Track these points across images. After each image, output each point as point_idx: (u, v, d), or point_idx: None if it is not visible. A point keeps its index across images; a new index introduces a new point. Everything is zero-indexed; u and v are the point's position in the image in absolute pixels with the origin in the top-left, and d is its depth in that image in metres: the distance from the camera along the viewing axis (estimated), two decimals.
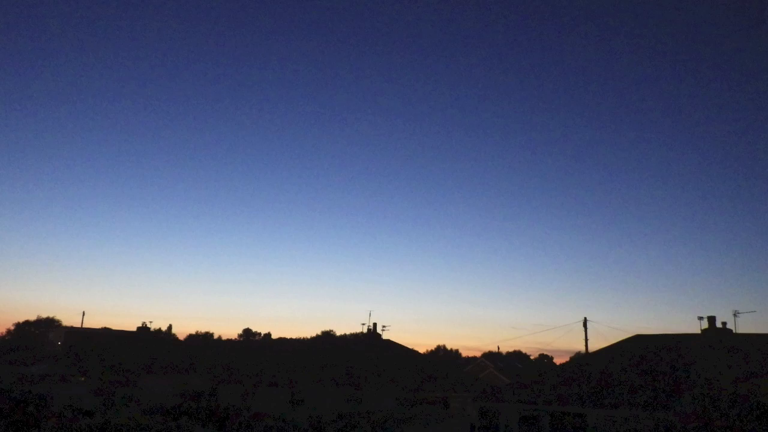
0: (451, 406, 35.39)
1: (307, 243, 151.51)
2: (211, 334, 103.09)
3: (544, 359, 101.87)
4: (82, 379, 45.51)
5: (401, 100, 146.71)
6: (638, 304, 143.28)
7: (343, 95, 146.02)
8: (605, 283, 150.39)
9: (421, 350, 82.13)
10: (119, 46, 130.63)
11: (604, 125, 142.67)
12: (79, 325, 60.78)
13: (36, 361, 53.23)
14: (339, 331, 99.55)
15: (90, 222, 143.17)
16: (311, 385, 35.56)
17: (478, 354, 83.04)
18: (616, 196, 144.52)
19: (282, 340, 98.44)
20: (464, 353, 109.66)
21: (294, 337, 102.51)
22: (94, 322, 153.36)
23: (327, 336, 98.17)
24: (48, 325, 78.71)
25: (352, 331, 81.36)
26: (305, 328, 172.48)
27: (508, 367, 70.54)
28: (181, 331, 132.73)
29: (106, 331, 58.81)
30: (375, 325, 44.65)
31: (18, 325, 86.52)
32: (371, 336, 44.21)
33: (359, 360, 39.49)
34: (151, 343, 56.81)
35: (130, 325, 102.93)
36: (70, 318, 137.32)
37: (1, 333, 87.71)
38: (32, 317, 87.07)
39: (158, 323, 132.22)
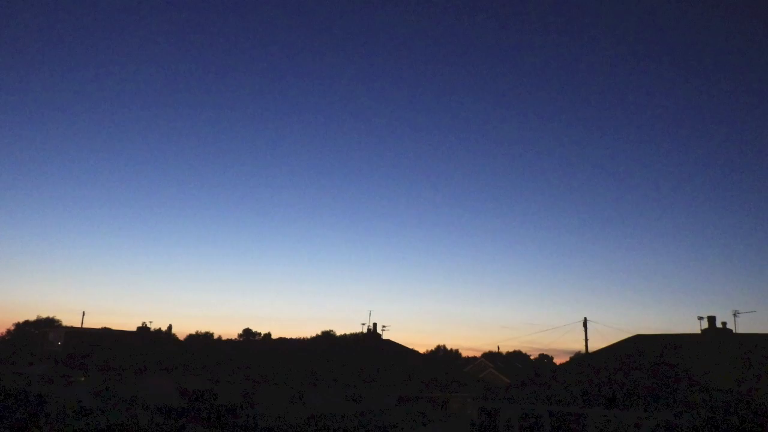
0: (451, 406, 35.39)
1: (308, 243, 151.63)
2: (211, 334, 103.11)
3: (544, 359, 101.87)
4: (82, 379, 45.51)
5: (401, 100, 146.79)
6: (638, 304, 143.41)
7: (343, 95, 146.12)
8: (605, 283, 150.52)
9: (421, 350, 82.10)
10: (119, 45, 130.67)
11: (604, 125, 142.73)
12: (79, 325, 60.76)
13: (36, 361, 53.25)
14: (339, 331, 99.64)
15: (90, 222, 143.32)
16: (311, 385, 35.55)
17: (478, 354, 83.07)
18: (616, 196, 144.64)
19: (282, 340, 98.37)
20: (464, 353, 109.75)
21: (294, 337, 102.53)
22: (94, 322, 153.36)
23: (327, 336, 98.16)
24: (48, 325, 78.64)
25: (352, 331, 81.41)
26: (305, 328, 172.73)
27: (508, 367, 70.57)
28: (181, 331, 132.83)
29: (106, 331, 58.77)
30: (375, 325, 44.68)
31: (18, 325, 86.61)
32: (371, 336, 44.20)
33: (359, 360, 39.49)
34: (151, 343, 56.79)
35: (130, 325, 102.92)
36: (70, 318, 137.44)
37: (1, 333, 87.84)
38: (32, 317, 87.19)
39: (158, 323, 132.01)
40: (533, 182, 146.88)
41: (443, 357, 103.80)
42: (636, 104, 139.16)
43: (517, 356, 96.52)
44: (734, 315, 31.72)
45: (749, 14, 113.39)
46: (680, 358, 27.83)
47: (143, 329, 57.67)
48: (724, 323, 30.49)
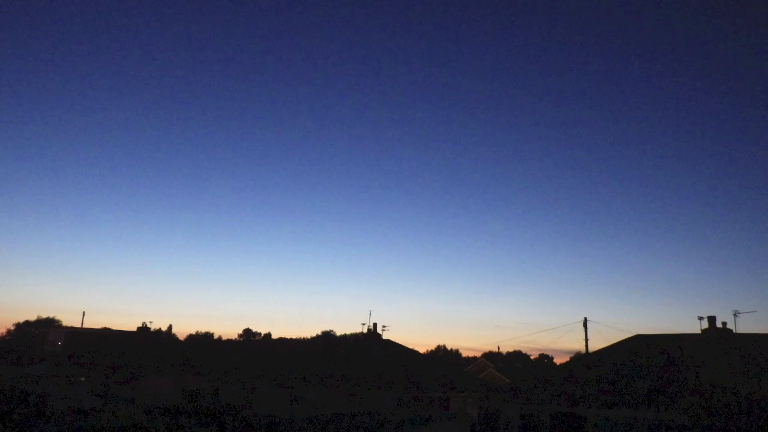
0: (451, 406, 35.40)
1: (307, 243, 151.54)
2: (211, 334, 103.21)
3: (544, 359, 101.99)
4: (82, 379, 45.53)
5: (400, 100, 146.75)
6: (638, 304, 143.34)
7: (343, 95, 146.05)
8: (605, 283, 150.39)
9: (421, 350, 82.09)
10: (119, 45, 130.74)
11: (603, 124, 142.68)
12: (79, 325, 60.80)
13: (36, 361, 53.27)
14: (339, 331, 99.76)
15: (90, 222, 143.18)
16: (311, 384, 35.57)
17: (478, 354, 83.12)
18: (616, 196, 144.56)
19: (282, 340, 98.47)
20: (464, 353, 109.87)
21: (294, 337, 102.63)
22: (94, 322, 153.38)
23: (327, 336, 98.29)
24: (48, 325, 78.68)
25: (352, 331, 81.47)
26: (305, 328, 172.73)
27: (508, 367, 70.65)
28: (181, 331, 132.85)
29: (106, 331, 58.81)
30: (375, 325, 44.70)
31: (18, 325, 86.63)
32: (371, 336, 44.22)
33: (359, 360, 39.51)
34: (151, 343, 56.82)
35: (130, 325, 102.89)
36: (70, 318, 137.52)
37: (1, 333, 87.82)
38: (32, 317, 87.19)
39: (158, 323, 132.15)
40: (534, 182, 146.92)
41: (443, 357, 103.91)
42: (636, 103, 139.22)
43: (517, 356, 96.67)
44: (734, 315, 31.79)
45: (749, 14, 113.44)
46: (680, 358, 27.84)
47: (143, 329, 57.68)
48: (724, 323, 30.51)
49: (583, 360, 35.17)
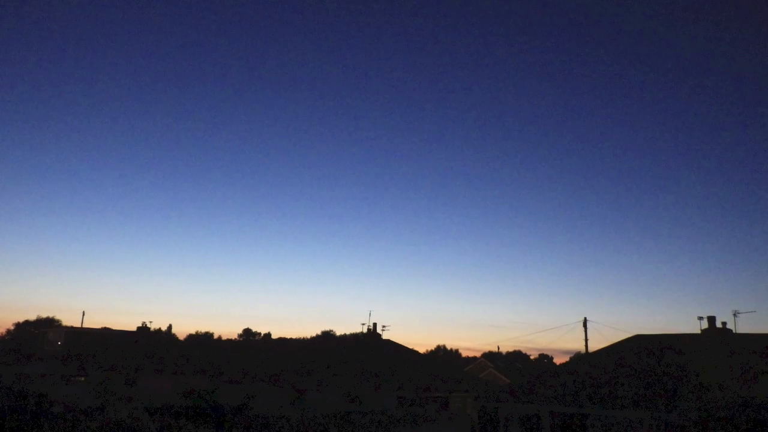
0: (451, 406, 35.39)
1: (307, 243, 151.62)
2: (211, 334, 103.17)
3: (544, 359, 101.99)
4: (82, 379, 45.51)
5: (400, 101, 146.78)
6: (638, 304, 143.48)
7: (343, 95, 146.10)
8: (605, 283, 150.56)
9: (421, 350, 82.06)
10: (119, 45, 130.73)
11: (603, 124, 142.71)
12: (79, 325, 60.74)
13: (36, 361, 53.26)
14: (339, 331, 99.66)
15: (90, 222, 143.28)
16: (311, 384, 35.56)
17: (478, 354, 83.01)
18: (616, 196, 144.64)
19: (282, 340, 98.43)
20: (464, 353, 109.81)
21: (294, 337, 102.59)
22: (94, 322, 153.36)
23: (327, 336, 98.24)
24: (48, 325, 78.62)
25: (352, 331, 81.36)
26: (305, 328, 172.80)
27: (508, 367, 70.61)
28: (181, 331, 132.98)
29: (106, 331, 58.76)
30: (375, 325, 44.69)
31: (18, 325, 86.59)
32: (371, 336, 44.21)
33: (359, 360, 39.50)
34: (151, 343, 56.79)
35: (130, 325, 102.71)
36: (70, 318, 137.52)
37: (1, 333, 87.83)
38: (32, 317, 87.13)
39: (158, 323, 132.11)
40: (534, 182, 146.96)
41: (443, 357, 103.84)
42: (636, 104, 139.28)
43: (517, 356, 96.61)
44: (734, 315, 31.79)
45: (749, 14, 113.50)
46: (680, 358, 27.83)
47: (143, 329, 57.65)
48: (724, 323, 30.49)
49: (583, 360, 35.17)
